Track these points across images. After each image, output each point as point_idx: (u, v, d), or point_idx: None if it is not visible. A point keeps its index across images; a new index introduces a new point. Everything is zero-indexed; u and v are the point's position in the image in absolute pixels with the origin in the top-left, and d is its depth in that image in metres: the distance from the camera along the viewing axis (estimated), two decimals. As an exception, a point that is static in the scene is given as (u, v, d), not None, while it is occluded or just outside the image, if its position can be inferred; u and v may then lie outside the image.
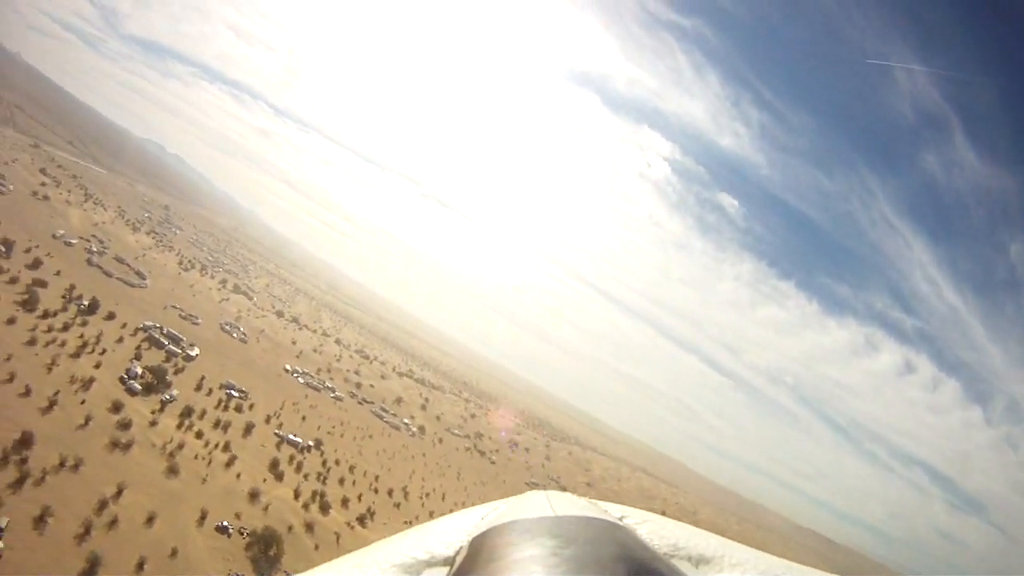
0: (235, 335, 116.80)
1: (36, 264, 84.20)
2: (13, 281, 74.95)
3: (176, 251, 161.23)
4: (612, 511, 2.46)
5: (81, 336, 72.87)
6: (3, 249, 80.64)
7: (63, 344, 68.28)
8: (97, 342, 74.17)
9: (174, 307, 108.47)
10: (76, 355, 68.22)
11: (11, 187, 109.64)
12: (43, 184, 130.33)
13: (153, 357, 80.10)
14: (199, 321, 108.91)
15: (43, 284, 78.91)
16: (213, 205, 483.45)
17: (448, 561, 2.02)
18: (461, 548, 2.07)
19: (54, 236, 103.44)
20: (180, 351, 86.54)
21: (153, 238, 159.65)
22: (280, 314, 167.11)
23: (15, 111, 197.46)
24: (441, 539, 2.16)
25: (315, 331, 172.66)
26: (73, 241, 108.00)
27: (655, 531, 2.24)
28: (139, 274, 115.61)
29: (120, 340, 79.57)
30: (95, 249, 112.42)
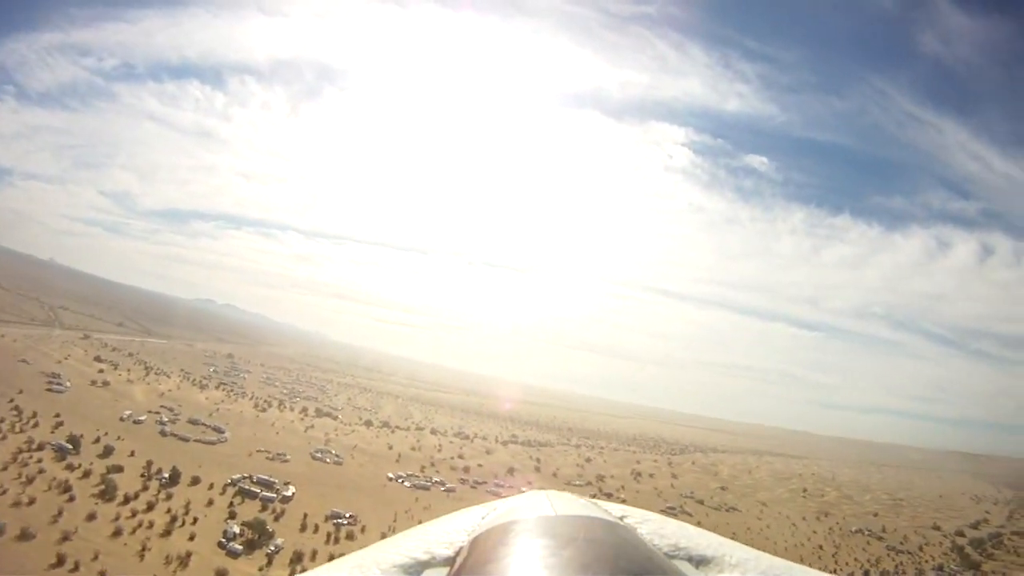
0: (328, 460, 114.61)
1: (107, 452, 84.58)
2: (86, 475, 74.68)
3: (249, 395, 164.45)
4: (612, 511, 2.60)
5: (168, 511, 71.49)
6: (71, 447, 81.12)
7: (151, 525, 66.64)
8: (186, 512, 72.38)
9: (259, 451, 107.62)
10: (167, 533, 66.27)
11: (68, 383, 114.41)
12: (100, 371, 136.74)
13: (248, 510, 76.90)
14: (288, 457, 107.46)
15: (119, 469, 79.07)
16: (277, 339, 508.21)
17: (448, 561, 2.14)
18: (461, 548, 2.19)
19: (121, 419, 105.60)
20: (275, 494, 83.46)
21: (223, 390, 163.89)
22: (369, 423, 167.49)
23: (59, 312, 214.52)
24: (441, 539, 2.29)
25: (408, 429, 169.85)
26: (142, 418, 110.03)
27: (655, 531, 2.36)
28: (216, 430, 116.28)
29: (210, 503, 77.74)
30: (166, 419, 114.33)
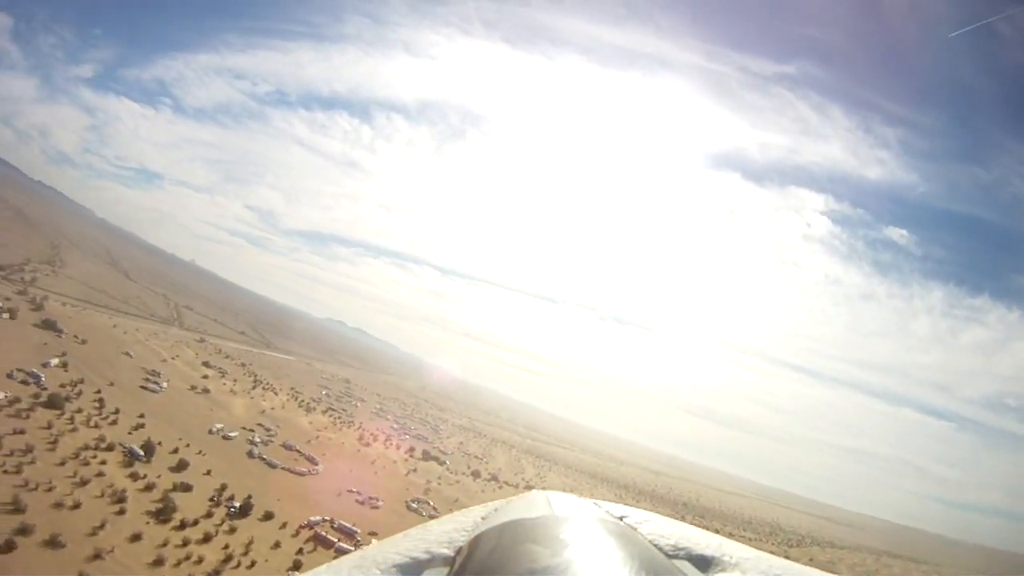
0: (424, 512, 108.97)
1: (181, 466, 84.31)
2: (148, 488, 73.76)
3: (357, 426, 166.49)
4: (613, 511, 2.84)
5: (226, 547, 68.57)
6: (143, 453, 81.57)
7: (200, 560, 63.55)
8: (246, 552, 68.74)
9: (351, 491, 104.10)
10: (215, 573, 61.66)
11: (165, 384, 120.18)
12: (204, 377, 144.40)
13: (318, 560, 70.31)
14: (380, 503, 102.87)
15: (186, 488, 78.13)
16: (400, 370, 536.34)
17: (448, 561, 2.36)
18: (462, 548, 2.43)
19: (210, 431, 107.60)
20: (353, 547, 76.25)
21: (330, 416, 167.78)
22: (476, 474, 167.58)
23: (182, 311, 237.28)
24: (441, 539, 2.51)
25: (516, 486, 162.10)
26: (233, 434, 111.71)
27: (656, 531, 2.57)
28: (310, 460, 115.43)
29: (277, 545, 73.54)
30: (258, 439, 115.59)
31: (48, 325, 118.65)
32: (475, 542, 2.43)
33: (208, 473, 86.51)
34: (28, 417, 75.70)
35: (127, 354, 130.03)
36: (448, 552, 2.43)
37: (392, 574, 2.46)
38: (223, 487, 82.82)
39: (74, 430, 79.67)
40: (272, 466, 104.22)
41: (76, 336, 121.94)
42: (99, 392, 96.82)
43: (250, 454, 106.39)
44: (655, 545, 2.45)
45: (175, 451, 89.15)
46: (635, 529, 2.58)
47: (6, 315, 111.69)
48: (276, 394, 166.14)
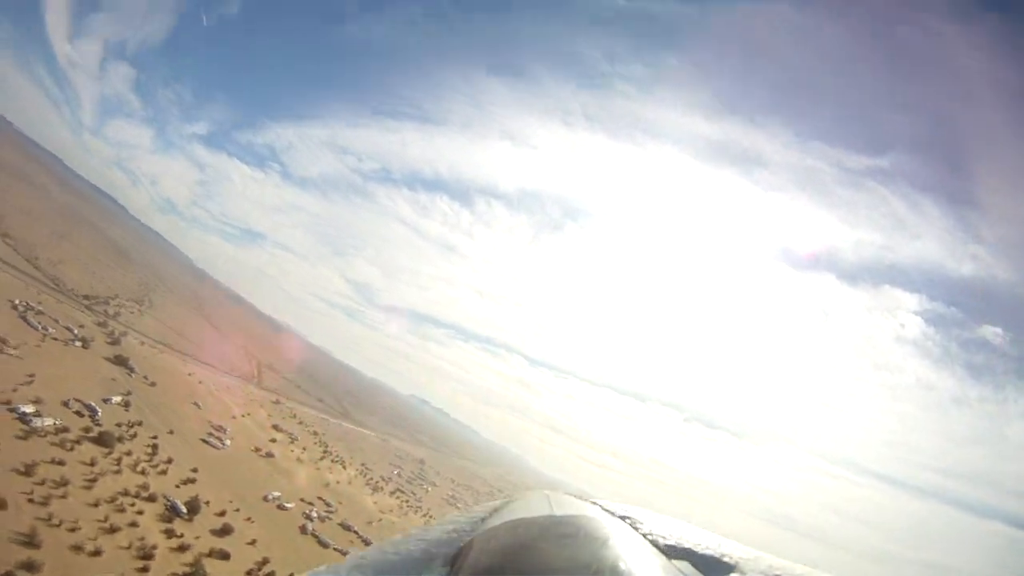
0: None
1: (225, 531, 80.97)
2: (182, 549, 70.16)
3: (424, 511, 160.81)
4: (613, 511, 3.03)
5: None
6: (186, 511, 78.78)
7: None
8: None
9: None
10: None
11: (229, 442, 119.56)
12: (272, 440, 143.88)
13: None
14: None
15: (223, 556, 74.72)
16: (478, 456, 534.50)
17: (449, 561, 2.52)
18: (462, 549, 2.60)
19: (266, 499, 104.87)
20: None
21: (398, 498, 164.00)
22: None
23: (264, 369, 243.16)
24: (442, 540, 2.72)
25: None
26: (289, 505, 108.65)
27: (656, 530, 2.75)
28: (367, 543, 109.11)
29: None
30: (316, 514, 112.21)
31: (120, 361, 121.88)
32: (476, 542, 2.58)
33: (252, 543, 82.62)
34: (72, 449, 74.86)
35: (196, 404, 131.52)
36: (449, 552, 2.54)
37: (393, 574, 2.65)
38: (265, 561, 78.64)
39: (118, 472, 78.12)
40: (324, 545, 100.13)
41: (146, 377, 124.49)
42: (155, 438, 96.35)
43: (303, 529, 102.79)
44: (655, 545, 2.55)
45: (222, 513, 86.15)
46: (635, 529, 2.70)
47: (79, 343, 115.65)
48: (344, 468, 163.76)
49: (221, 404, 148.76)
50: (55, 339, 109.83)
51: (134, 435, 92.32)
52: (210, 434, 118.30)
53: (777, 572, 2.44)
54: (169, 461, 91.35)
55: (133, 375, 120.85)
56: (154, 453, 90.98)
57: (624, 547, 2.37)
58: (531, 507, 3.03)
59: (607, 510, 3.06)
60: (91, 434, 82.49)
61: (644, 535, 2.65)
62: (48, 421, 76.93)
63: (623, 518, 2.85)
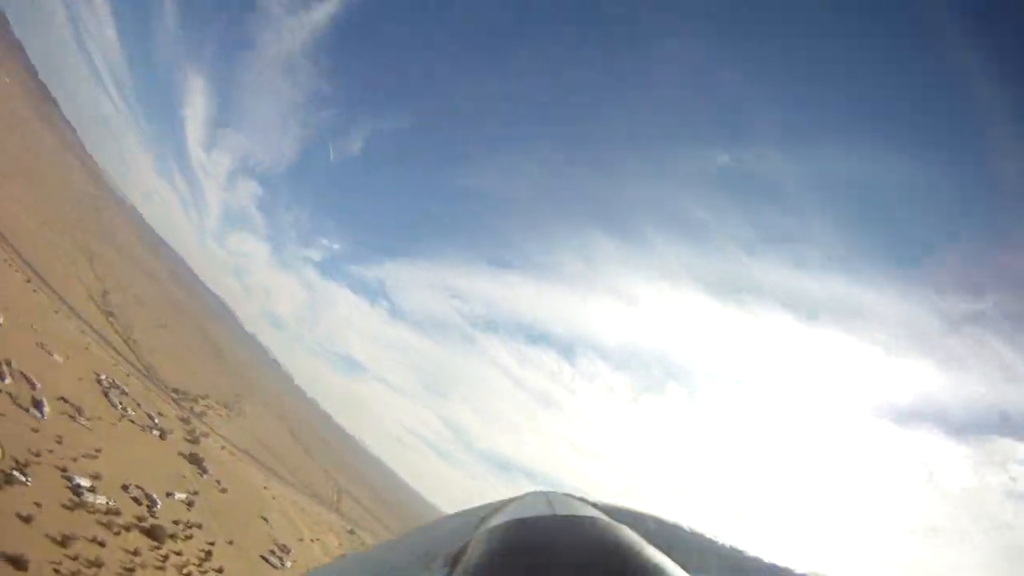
0: None
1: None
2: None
3: None
4: (613, 510, 3.17)
5: None
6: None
7: None
8: None
9: None
10: None
11: (289, 564, 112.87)
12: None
13: None
14: None
15: None
16: None
17: (448, 561, 2.62)
18: (462, 548, 2.69)
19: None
20: None
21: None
22: None
23: (344, 495, 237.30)
24: (442, 540, 2.82)
25: None
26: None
27: (655, 530, 2.88)
28: None
29: None
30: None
31: (195, 460, 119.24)
32: (476, 542, 2.63)
33: None
34: (118, 534, 70.06)
35: (264, 519, 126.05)
36: (449, 552, 2.63)
37: (392, 574, 2.71)
38: None
39: (161, 569, 72.55)
40: None
41: (219, 482, 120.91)
42: (212, 544, 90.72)
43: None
44: (655, 544, 2.61)
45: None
46: (634, 528, 2.74)
47: (156, 432, 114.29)
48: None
49: (291, 524, 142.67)
50: (132, 422, 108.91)
51: (189, 536, 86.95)
52: (272, 552, 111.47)
53: (778, 572, 2.56)
54: (220, 571, 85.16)
55: (205, 476, 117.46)
56: (206, 559, 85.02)
57: (623, 546, 2.45)
58: (530, 507, 3.09)
59: (607, 510, 3.12)
60: (143, 524, 77.77)
61: (643, 534, 2.71)
62: (101, 499, 73.06)
63: (623, 518, 2.87)
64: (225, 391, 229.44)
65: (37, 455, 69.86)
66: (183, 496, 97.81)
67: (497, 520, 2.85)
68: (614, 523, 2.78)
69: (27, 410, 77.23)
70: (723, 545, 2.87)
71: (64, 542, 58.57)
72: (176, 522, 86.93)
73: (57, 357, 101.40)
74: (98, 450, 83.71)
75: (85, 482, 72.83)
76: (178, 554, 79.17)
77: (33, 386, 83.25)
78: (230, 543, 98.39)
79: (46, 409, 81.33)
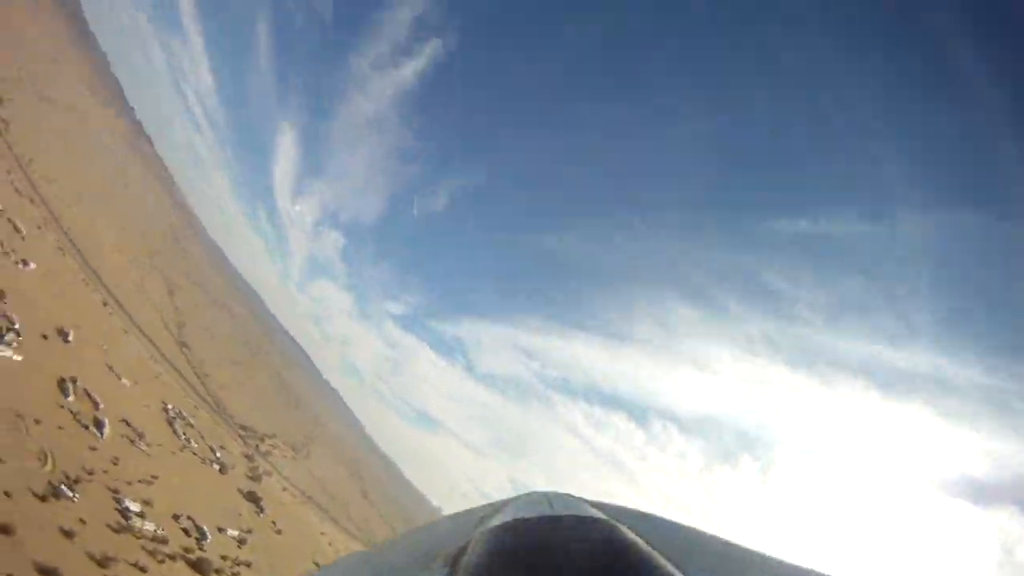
0: None
1: None
2: None
3: None
4: (613, 510, 3.22)
5: None
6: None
7: None
8: None
9: None
10: None
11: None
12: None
13: None
14: None
15: None
16: None
17: (448, 561, 2.67)
18: (462, 548, 2.76)
19: None
20: None
21: None
22: None
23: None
24: (442, 540, 2.87)
25: None
26: None
27: (655, 530, 2.92)
28: None
29: None
30: None
31: (252, 498, 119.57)
32: (475, 542, 2.70)
33: None
34: (162, 562, 69.69)
35: (316, 564, 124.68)
36: (448, 551, 2.68)
37: (392, 574, 2.76)
38: None
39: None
40: None
41: (275, 523, 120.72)
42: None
43: None
44: (654, 544, 2.65)
45: None
46: (634, 528, 2.80)
47: (216, 466, 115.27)
48: None
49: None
50: (194, 453, 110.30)
51: (236, 574, 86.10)
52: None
53: (779, 573, 2.59)
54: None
55: (261, 516, 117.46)
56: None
57: (622, 547, 2.48)
58: (530, 507, 3.14)
59: (607, 510, 3.15)
60: (189, 556, 77.37)
61: (643, 534, 2.72)
62: (149, 526, 73.11)
63: (623, 518, 2.91)
64: (294, 433, 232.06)
65: (90, 473, 70.67)
66: (235, 533, 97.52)
67: (497, 520, 2.89)
68: (614, 523, 2.81)
69: (87, 427, 78.78)
70: (724, 545, 2.85)
71: (103, 562, 58.28)
72: (224, 558, 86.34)
73: (125, 381, 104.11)
74: (154, 476, 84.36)
75: (135, 506, 73.09)
76: (222, 590, 78.37)
77: (96, 406, 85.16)
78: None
79: (106, 430, 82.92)
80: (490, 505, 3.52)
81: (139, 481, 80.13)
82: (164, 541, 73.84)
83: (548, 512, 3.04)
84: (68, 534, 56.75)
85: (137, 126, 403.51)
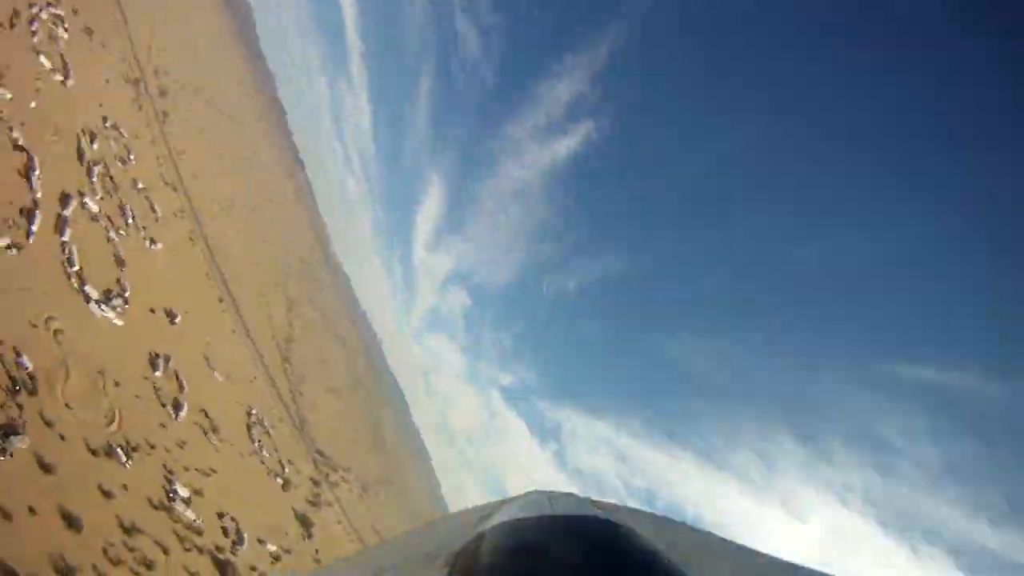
0: None
1: None
2: None
3: None
4: (613, 510, 3.24)
5: None
6: None
7: None
8: None
9: None
10: None
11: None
12: None
13: None
14: None
15: None
16: None
17: (448, 560, 2.73)
18: (462, 548, 2.81)
19: None
20: None
21: None
22: None
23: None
24: (441, 539, 2.91)
25: None
26: None
27: (655, 530, 2.96)
28: None
29: None
30: None
31: (304, 522, 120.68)
32: (475, 542, 2.75)
33: None
34: (189, 551, 70.93)
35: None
36: (448, 551, 2.73)
37: (392, 574, 2.79)
38: None
39: (212, 605, 71.85)
40: None
41: (317, 551, 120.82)
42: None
43: None
44: (654, 544, 2.70)
45: None
46: (634, 528, 2.85)
47: (279, 480, 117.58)
48: None
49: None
50: (261, 462, 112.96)
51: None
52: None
53: (779, 572, 2.64)
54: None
55: (306, 540, 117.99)
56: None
57: (623, 547, 2.54)
58: (530, 506, 3.20)
59: (607, 510, 3.18)
60: (219, 555, 78.36)
61: (643, 534, 2.77)
62: (190, 514, 74.77)
63: (624, 518, 2.96)
64: (368, 473, 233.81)
65: (152, 447, 73.59)
66: (274, 548, 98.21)
67: (497, 520, 2.95)
68: (615, 523, 2.85)
69: (164, 405, 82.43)
70: (726, 544, 2.86)
71: (129, 531, 59.81)
72: (253, 569, 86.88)
73: (217, 375, 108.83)
74: (213, 470, 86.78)
75: (184, 491, 75.11)
76: (239, 599, 78.61)
77: (181, 388, 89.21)
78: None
79: (183, 414, 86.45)
80: (490, 504, 3.58)
81: (197, 470, 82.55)
82: (199, 532, 75.25)
83: (549, 512, 3.05)
84: (106, 493, 58.89)
85: (293, 150, 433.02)
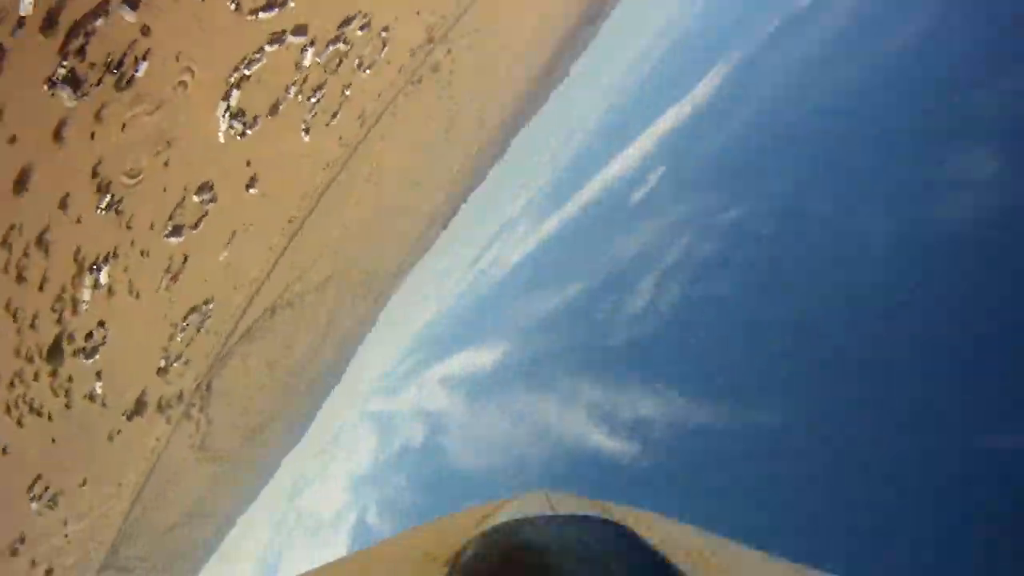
0: None
1: None
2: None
3: None
4: (613, 511, 3.20)
5: None
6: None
7: None
8: None
9: None
10: None
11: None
12: None
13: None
14: None
15: None
16: None
17: (448, 560, 2.68)
18: (462, 548, 2.76)
19: None
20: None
21: None
22: None
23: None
24: (442, 538, 2.87)
25: None
26: None
27: (655, 530, 2.90)
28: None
29: None
30: None
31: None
32: (475, 542, 2.67)
33: None
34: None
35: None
36: (448, 551, 2.64)
37: (392, 573, 2.78)
38: None
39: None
40: None
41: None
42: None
43: None
44: (654, 545, 2.63)
45: None
46: (634, 528, 2.77)
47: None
48: None
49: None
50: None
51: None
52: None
53: (781, 574, 2.52)
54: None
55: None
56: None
57: (623, 547, 2.48)
58: (530, 506, 3.09)
59: (606, 510, 3.10)
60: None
61: (644, 535, 2.70)
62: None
63: (622, 518, 2.89)
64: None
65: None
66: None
67: (497, 520, 2.93)
68: (615, 523, 2.83)
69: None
70: (728, 546, 2.87)
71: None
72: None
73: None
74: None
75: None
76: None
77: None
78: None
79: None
80: (490, 505, 3.51)
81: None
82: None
83: (548, 512, 3.02)
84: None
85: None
